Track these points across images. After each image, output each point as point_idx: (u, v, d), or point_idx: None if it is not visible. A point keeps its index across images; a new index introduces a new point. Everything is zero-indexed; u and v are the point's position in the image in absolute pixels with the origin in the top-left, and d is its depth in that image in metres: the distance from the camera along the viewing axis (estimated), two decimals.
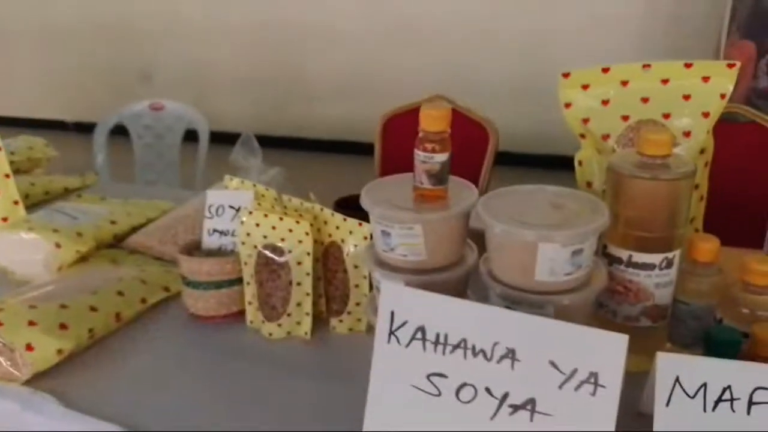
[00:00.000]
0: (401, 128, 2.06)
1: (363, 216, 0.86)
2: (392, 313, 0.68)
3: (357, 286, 0.88)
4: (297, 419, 0.76)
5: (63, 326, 0.83)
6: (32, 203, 1.28)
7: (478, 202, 0.74)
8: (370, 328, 0.90)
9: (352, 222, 0.85)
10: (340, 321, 0.90)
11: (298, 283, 0.88)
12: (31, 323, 0.81)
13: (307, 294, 0.88)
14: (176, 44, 4.57)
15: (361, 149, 4.17)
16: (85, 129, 4.43)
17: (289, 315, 0.89)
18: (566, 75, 0.96)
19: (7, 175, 1.13)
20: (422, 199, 0.76)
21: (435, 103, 0.75)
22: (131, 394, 0.81)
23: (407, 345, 0.68)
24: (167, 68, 4.66)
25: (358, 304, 0.88)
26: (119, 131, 2.43)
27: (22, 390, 0.80)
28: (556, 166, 3.61)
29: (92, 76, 4.83)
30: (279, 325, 0.89)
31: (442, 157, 0.74)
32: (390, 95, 4.13)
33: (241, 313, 0.93)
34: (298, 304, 0.89)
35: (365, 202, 0.76)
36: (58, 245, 1.01)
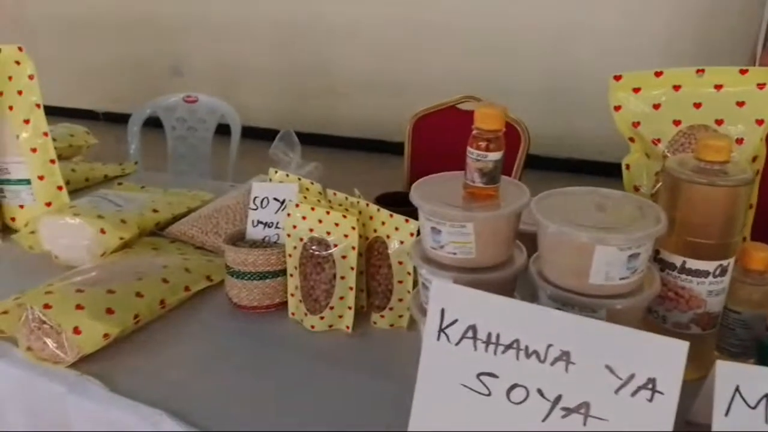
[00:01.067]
0: (431, 127, 2.06)
1: (402, 213, 0.86)
2: (442, 311, 0.68)
3: (400, 282, 0.87)
4: (338, 412, 0.76)
5: (110, 311, 0.84)
6: (73, 189, 1.30)
7: (531, 203, 0.73)
8: (412, 325, 0.90)
9: (398, 218, 0.85)
10: (382, 316, 0.90)
11: (342, 277, 0.88)
12: (78, 307, 0.82)
13: (351, 288, 0.88)
14: (205, 39, 4.62)
15: (383, 147, 4.19)
16: (114, 119, 4.50)
17: (331, 308, 0.89)
18: (617, 78, 0.94)
19: (53, 161, 1.15)
20: (472, 197, 0.76)
21: (490, 102, 0.74)
22: (175, 379, 0.81)
23: (457, 343, 0.67)
24: (196, 63, 4.71)
25: (400, 300, 0.88)
26: (151, 122, 2.45)
27: (69, 373, 0.81)
28: (581, 170, 3.59)
29: (123, 69, 4.89)
30: (321, 318, 0.89)
31: (495, 155, 0.73)
32: (414, 94, 4.14)
33: (283, 305, 0.94)
34: (341, 298, 0.89)
35: (415, 199, 0.76)
36: (102, 231, 1.02)
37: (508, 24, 3.78)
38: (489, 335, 0.65)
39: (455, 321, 0.67)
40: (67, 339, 0.81)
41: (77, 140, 1.44)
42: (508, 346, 0.65)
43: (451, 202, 0.75)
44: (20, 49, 1.09)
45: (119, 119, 3.62)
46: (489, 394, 0.65)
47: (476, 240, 0.72)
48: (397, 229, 0.86)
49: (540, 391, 0.63)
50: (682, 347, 0.58)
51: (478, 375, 0.66)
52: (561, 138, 3.66)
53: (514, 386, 0.65)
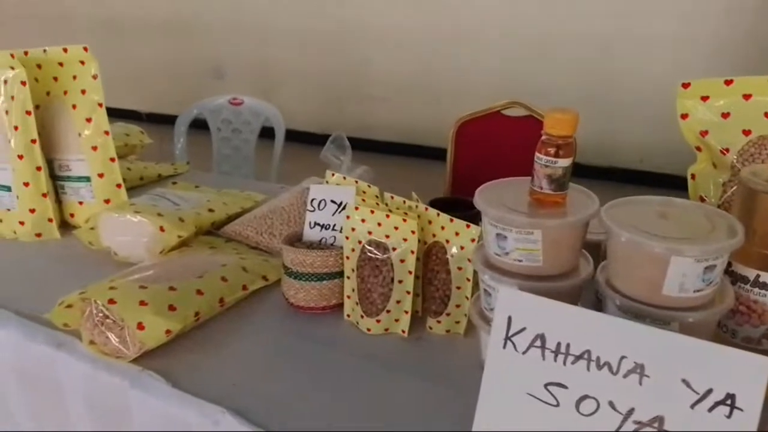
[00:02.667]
0: (475, 133, 2.05)
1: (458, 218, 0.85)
2: (509, 319, 0.67)
3: (459, 288, 0.87)
4: (395, 415, 0.76)
5: (171, 307, 0.85)
6: (128, 187, 1.32)
7: (601, 211, 0.72)
8: (469, 331, 0.89)
9: (459, 223, 0.85)
10: (438, 322, 0.89)
11: (400, 281, 0.88)
12: (142, 303, 0.83)
13: (408, 292, 0.88)
14: (246, 42, 4.68)
15: (421, 152, 4.18)
16: (157, 120, 4.59)
17: (388, 312, 0.89)
18: (686, 85, 0.92)
19: (113, 159, 1.18)
20: (539, 204, 0.75)
21: (562, 107, 0.73)
22: (234, 377, 0.82)
23: (524, 352, 0.66)
24: (237, 65, 4.78)
25: (458, 306, 0.87)
26: (196, 123, 2.49)
27: (131, 367, 0.82)
28: (621, 179, 3.53)
29: (165, 71, 4.99)
30: (378, 321, 0.89)
31: (565, 162, 0.72)
32: (452, 99, 4.13)
33: (339, 306, 0.94)
34: (398, 302, 0.88)
35: (479, 204, 0.75)
36: (162, 229, 1.03)
37: (547, 30, 3.75)
38: (558, 345, 0.64)
39: (523, 329, 0.66)
40: (130, 334, 0.83)
41: (132, 139, 1.47)
42: (579, 357, 0.64)
43: (516, 208, 0.74)
44: (85, 49, 1.12)
45: (162, 120, 3.69)
46: (557, 405, 0.64)
47: (544, 248, 0.71)
48: (457, 234, 0.85)
49: (611, 404, 0.62)
50: (764, 363, 0.56)
51: (546, 385, 0.65)
52: (600, 146, 3.60)
53: (584, 397, 0.63)
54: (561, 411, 0.64)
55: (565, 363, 0.64)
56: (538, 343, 0.65)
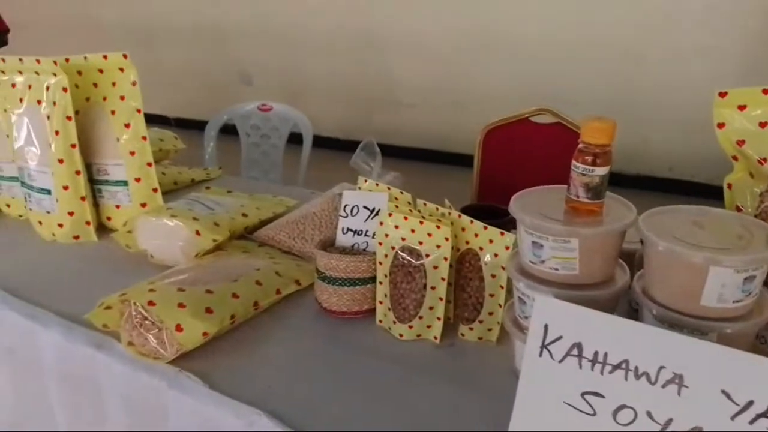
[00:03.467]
0: (503, 140, 2.04)
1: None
2: (546, 327, 0.67)
3: (492, 295, 0.87)
4: (427, 421, 0.76)
5: (208, 310, 0.86)
6: (162, 191, 1.34)
7: (638, 220, 0.71)
8: (501, 339, 0.89)
9: (493, 231, 0.85)
10: (471, 329, 0.89)
11: (432, 287, 0.88)
12: (180, 305, 0.85)
13: (441, 299, 0.88)
14: (274, 49, 4.73)
15: (447, 158, 4.18)
16: (184, 125, 4.66)
17: (420, 318, 0.89)
18: (722, 94, 0.91)
19: (149, 164, 1.20)
20: (575, 212, 0.75)
21: (599, 116, 0.73)
22: (269, 380, 0.83)
23: (561, 360, 0.66)
24: (264, 71, 4.83)
25: (491, 313, 0.88)
26: (224, 129, 2.52)
27: (168, 368, 0.84)
28: (650, 187, 3.49)
29: (193, 76, 5.06)
30: (410, 327, 0.90)
31: (602, 170, 0.72)
32: (479, 106, 4.12)
33: (371, 312, 0.95)
34: (431, 308, 0.89)
35: (515, 211, 0.75)
36: (198, 233, 1.05)
37: (577, 36, 3.73)
38: (596, 354, 0.64)
39: (559, 338, 0.66)
40: (168, 336, 0.85)
41: (166, 144, 1.50)
42: (616, 366, 0.63)
43: (552, 216, 0.74)
44: (125, 56, 1.15)
45: (189, 125, 3.74)
46: (594, 414, 0.64)
47: (580, 256, 0.71)
48: (491, 241, 0.85)
49: (649, 414, 0.62)
50: None
51: (583, 394, 0.65)
52: (629, 154, 3.57)
53: (621, 407, 0.63)
54: (598, 420, 0.64)
55: (602, 372, 0.64)
56: (575, 352, 0.65)
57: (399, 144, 4.37)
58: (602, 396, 0.64)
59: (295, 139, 2.51)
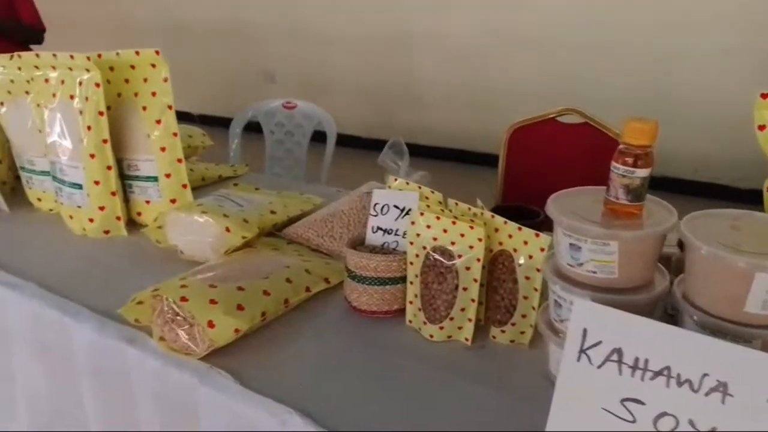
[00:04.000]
0: (529, 139, 2.02)
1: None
2: (584, 331, 0.66)
3: (526, 297, 0.86)
4: (459, 423, 0.75)
5: (240, 307, 0.86)
6: (190, 187, 1.35)
7: (680, 224, 0.70)
8: (534, 342, 0.88)
9: (528, 232, 0.84)
10: (503, 331, 0.88)
11: (464, 288, 0.87)
12: (212, 302, 0.85)
13: (473, 300, 0.87)
14: (297, 47, 4.74)
15: (470, 157, 4.16)
16: (208, 122, 4.70)
17: (451, 319, 0.88)
18: (765, 95, 0.89)
19: (180, 160, 1.21)
20: (614, 214, 0.73)
21: (641, 117, 0.72)
22: (299, 378, 0.83)
23: (600, 366, 0.65)
24: (287, 69, 4.85)
25: (524, 316, 0.86)
26: (247, 126, 2.53)
27: (200, 365, 0.84)
28: (674, 189, 3.44)
29: (217, 74, 5.10)
30: (441, 328, 0.89)
31: (643, 172, 0.71)
32: (502, 105, 4.09)
33: (401, 311, 0.94)
34: (462, 309, 0.88)
35: (553, 213, 0.74)
36: (228, 230, 1.05)
37: (602, 37, 3.68)
38: (636, 360, 0.63)
39: (599, 342, 0.65)
40: (199, 332, 0.85)
41: (195, 141, 1.50)
42: (658, 373, 0.62)
43: (591, 218, 0.72)
44: (157, 52, 1.16)
45: (213, 122, 3.76)
46: (633, 421, 0.63)
47: (620, 259, 0.70)
48: (525, 243, 0.84)
49: (691, 422, 0.60)
50: None
51: (623, 400, 0.64)
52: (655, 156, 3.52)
53: (662, 414, 0.62)
54: (637, 427, 0.63)
55: (642, 379, 0.63)
56: (614, 357, 0.64)
57: (421, 143, 4.36)
58: (642, 403, 0.63)
59: (316, 136, 2.52)
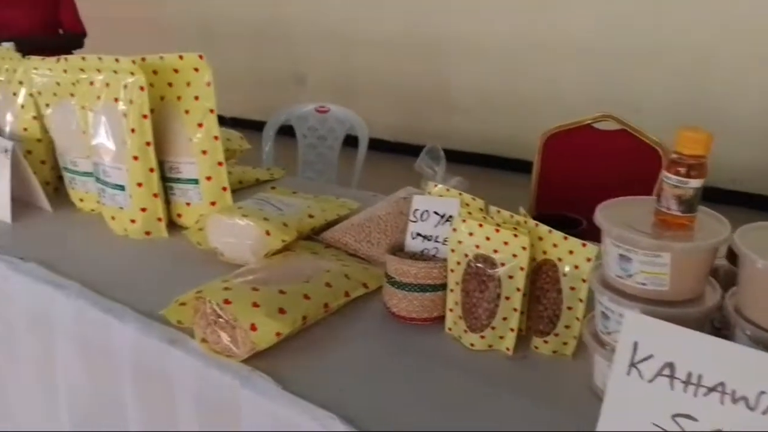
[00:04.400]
0: (564, 146, 2.00)
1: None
2: (635, 344, 0.65)
3: (570, 308, 0.84)
4: None
5: (281, 310, 0.87)
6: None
7: (734, 236, 0.68)
8: (577, 353, 0.86)
9: (574, 241, 0.83)
10: (545, 342, 0.87)
11: (507, 298, 0.86)
12: (255, 305, 0.86)
13: (515, 309, 0.86)
14: (328, 50, 4.77)
15: (502, 163, 4.13)
16: (239, 124, 4.75)
17: (493, 328, 0.87)
18: None
19: (220, 163, 1.22)
20: (665, 225, 0.72)
21: (694, 127, 0.70)
22: (339, 383, 0.83)
23: (651, 380, 0.64)
24: (318, 72, 4.88)
25: (567, 327, 0.85)
26: (279, 129, 2.55)
27: (241, 367, 0.84)
28: (711, 198, 3.38)
29: (248, 77, 5.15)
30: (482, 337, 0.88)
31: (696, 183, 0.69)
32: (535, 111, 4.05)
33: (441, 319, 0.94)
34: (504, 319, 0.87)
35: (602, 222, 0.73)
36: (268, 233, 1.06)
37: (640, 41, 3.63)
38: (689, 375, 0.62)
39: (650, 356, 0.64)
40: (241, 334, 0.85)
41: (233, 144, 1.52)
42: (712, 389, 0.61)
43: (641, 229, 0.71)
44: (200, 57, 1.17)
45: (244, 124, 3.80)
46: None
47: (672, 271, 0.69)
48: (571, 252, 0.83)
49: None
50: None
51: (674, 416, 0.62)
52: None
53: None
54: None
55: (695, 394, 0.61)
56: (666, 372, 0.63)
57: (453, 148, 4.33)
58: (695, 419, 0.61)
59: (346, 140, 2.53)
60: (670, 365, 0.63)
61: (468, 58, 4.27)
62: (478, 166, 4.22)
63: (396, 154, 4.33)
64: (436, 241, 0.97)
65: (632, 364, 0.64)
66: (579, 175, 1.96)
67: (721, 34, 3.41)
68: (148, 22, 5.48)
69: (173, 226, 1.27)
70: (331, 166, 2.55)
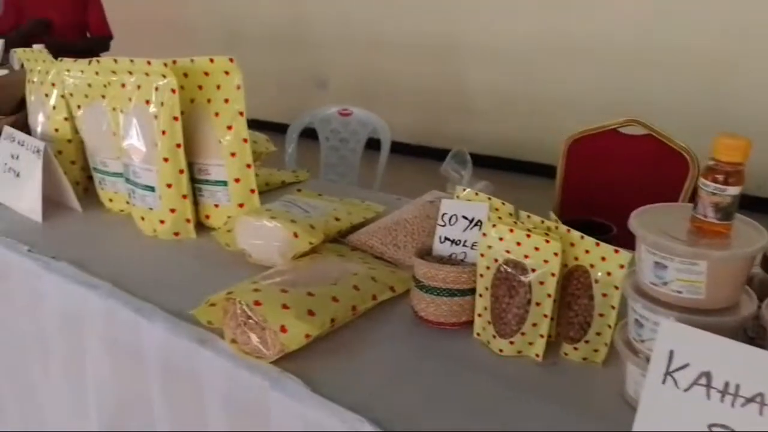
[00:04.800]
0: (589, 151, 1.98)
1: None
2: (671, 353, 0.64)
3: (602, 315, 0.84)
4: None
5: (311, 312, 0.87)
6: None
7: None
8: (608, 360, 0.86)
9: (606, 248, 0.82)
10: (575, 348, 0.86)
11: (537, 303, 0.86)
12: (284, 306, 0.86)
13: (545, 316, 0.86)
14: (348, 54, 4.78)
15: (521, 167, 4.10)
16: (261, 127, 4.79)
17: (523, 334, 0.87)
18: None
19: (249, 166, 1.23)
20: (701, 232, 0.71)
21: (732, 133, 0.69)
22: (367, 386, 0.83)
23: (687, 389, 0.63)
24: (338, 76, 4.89)
25: (599, 334, 0.85)
26: (302, 132, 2.57)
27: (271, 369, 0.85)
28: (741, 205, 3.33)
29: (272, 80, 5.18)
30: (511, 343, 0.88)
31: (734, 190, 0.69)
32: (554, 114, 4.02)
33: (469, 323, 0.93)
34: (534, 324, 0.87)
35: (636, 229, 0.72)
36: (296, 235, 1.07)
37: (662, 42, 3.59)
38: (726, 385, 0.61)
39: (686, 365, 0.63)
40: (271, 336, 0.86)
41: (259, 147, 1.53)
42: (750, 400, 0.60)
43: (675, 236, 0.70)
44: (231, 60, 1.18)
45: (265, 126, 3.82)
46: None
47: (708, 280, 0.68)
48: (603, 259, 0.82)
49: None
50: None
51: (710, 426, 0.62)
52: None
53: None
54: None
55: (733, 405, 0.61)
56: (703, 381, 0.62)
57: (472, 151, 4.31)
58: (732, 430, 0.60)
59: (366, 143, 2.54)
60: (707, 374, 0.62)
61: (486, 61, 4.27)
62: (497, 169, 4.20)
63: (415, 156, 4.33)
64: (465, 246, 0.97)
65: (668, 373, 0.64)
66: (604, 180, 1.95)
67: (744, 38, 3.36)
68: (173, 25, 5.55)
69: (201, 227, 1.28)
70: (352, 168, 2.56)
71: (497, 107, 4.33)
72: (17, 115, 1.64)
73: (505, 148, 4.29)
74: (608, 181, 1.93)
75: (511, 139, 4.28)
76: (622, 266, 0.80)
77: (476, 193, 1.01)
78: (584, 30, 3.83)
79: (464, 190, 1.03)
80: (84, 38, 3.39)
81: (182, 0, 5.58)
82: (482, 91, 4.37)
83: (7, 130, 1.45)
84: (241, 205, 1.23)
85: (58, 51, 1.53)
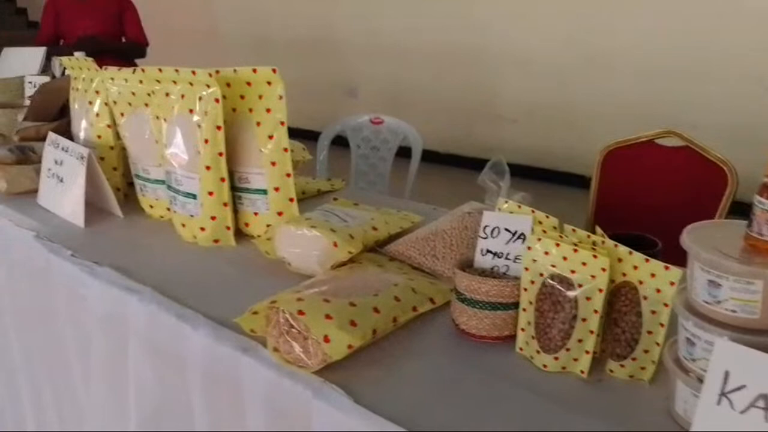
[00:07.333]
0: (624, 162, 1.96)
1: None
2: (726, 374, 0.63)
3: (650, 332, 0.82)
4: None
5: (353, 323, 0.87)
6: None
7: None
8: (655, 378, 0.84)
9: (656, 264, 0.81)
10: (622, 366, 0.85)
11: (583, 319, 0.85)
12: (327, 317, 0.87)
13: (591, 332, 0.85)
14: (378, 62, 4.81)
15: (551, 176, 4.07)
16: (291, 134, 4.83)
17: (567, 350, 0.86)
18: None
19: (288, 175, 1.24)
20: (756, 251, 0.70)
21: None
22: (409, 398, 0.83)
23: (743, 411, 0.62)
24: (368, 84, 4.92)
25: (646, 351, 0.83)
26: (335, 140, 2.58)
27: (313, 378, 0.85)
28: None
29: (302, 88, 5.22)
30: (555, 359, 0.87)
31: None
32: (586, 123, 3.97)
33: (511, 338, 0.92)
34: (579, 341, 0.86)
35: (690, 246, 0.71)
36: (335, 244, 1.07)
37: (697, 53, 3.53)
38: None
39: (742, 387, 0.62)
40: (314, 345, 0.86)
41: (295, 155, 1.53)
42: None
43: (729, 253, 0.69)
44: (274, 70, 1.19)
45: (295, 134, 3.85)
46: None
47: (763, 299, 0.66)
48: (653, 275, 0.81)
49: None
50: None
51: None
52: (750, 180, 3.34)
53: None
54: None
55: None
56: (761, 403, 0.61)
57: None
58: None
59: (401, 152, 2.54)
60: (765, 397, 0.60)
61: (517, 70, 4.25)
62: (527, 178, 4.17)
63: (445, 165, 4.33)
64: (507, 258, 0.97)
65: (722, 394, 0.63)
66: (640, 192, 1.92)
67: None
68: (205, 33, 5.64)
69: (240, 234, 1.30)
70: (382, 176, 2.56)
71: (527, 116, 4.31)
72: (59, 121, 1.68)
73: (536, 157, 4.26)
74: (644, 193, 1.90)
75: (541, 148, 4.25)
76: (672, 283, 0.79)
77: (519, 206, 1.00)
78: (616, 41, 3.80)
79: (506, 202, 1.03)
80: (121, 42, 3.45)
81: (213, 9, 5.67)
82: (512, 101, 4.35)
83: (51, 136, 1.48)
84: (280, 214, 1.24)
85: (94, 49, 1.55)
